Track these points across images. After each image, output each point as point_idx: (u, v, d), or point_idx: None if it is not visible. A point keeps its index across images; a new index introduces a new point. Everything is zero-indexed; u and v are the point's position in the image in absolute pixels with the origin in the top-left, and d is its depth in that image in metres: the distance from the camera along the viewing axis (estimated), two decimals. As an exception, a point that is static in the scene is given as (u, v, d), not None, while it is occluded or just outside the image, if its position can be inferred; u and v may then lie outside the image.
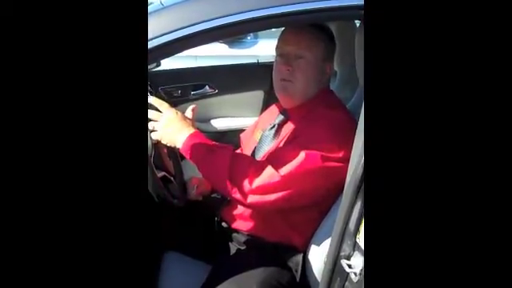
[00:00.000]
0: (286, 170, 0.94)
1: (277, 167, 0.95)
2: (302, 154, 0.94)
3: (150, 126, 0.96)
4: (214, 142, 1.01)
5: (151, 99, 0.97)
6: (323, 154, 0.95)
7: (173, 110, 0.98)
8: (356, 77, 1.11)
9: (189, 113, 1.03)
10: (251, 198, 0.94)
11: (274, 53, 1.12)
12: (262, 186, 0.93)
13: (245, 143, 1.33)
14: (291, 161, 0.95)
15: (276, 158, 0.98)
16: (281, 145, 1.07)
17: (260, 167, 0.95)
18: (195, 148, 0.95)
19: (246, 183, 0.93)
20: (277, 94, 1.13)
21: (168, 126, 0.96)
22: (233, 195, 0.95)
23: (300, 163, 0.94)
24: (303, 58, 1.06)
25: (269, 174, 0.94)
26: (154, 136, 0.97)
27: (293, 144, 1.01)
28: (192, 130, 0.97)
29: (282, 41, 1.10)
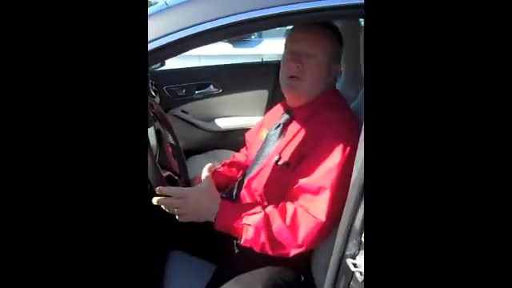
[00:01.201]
0: (316, 209, 0.95)
1: (306, 208, 0.96)
2: (323, 183, 0.94)
3: (175, 211, 0.98)
4: (243, 206, 1.05)
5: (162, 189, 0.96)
6: (338, 170, 0.94)
7: (189, 192, 0.99)
8: (361, 76, 1.10)
9: (205, 172, 1.06)
10: (300, 249, 0.96)
11: (278, 52, 1.11)
12: (307, 236, 0.94)
13: (250, 142, 1.33)
14: (314, 195, 0.96)
15: (299, 197, 0.99)
16: (288, 151, 1.06)
17: (293, 219, 0.95)
18: (228, 222, 0.98)
19: (289, 240, 0.95)
20: (284, 92, 1.12)
21: (194, 206, 0.98)
22: (278, 253, 0.97)
23: (323, 194, 0.94)
24: (315, 57, 1.05)
25: (306, 222, 0.95)
26: (183, 219, 0.99)
27: (306, 168, 0.99)
28: (218, 204, 0.99)
29: (292, 38, 1.09)
